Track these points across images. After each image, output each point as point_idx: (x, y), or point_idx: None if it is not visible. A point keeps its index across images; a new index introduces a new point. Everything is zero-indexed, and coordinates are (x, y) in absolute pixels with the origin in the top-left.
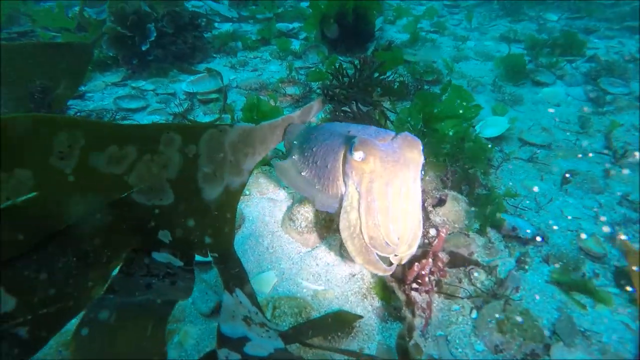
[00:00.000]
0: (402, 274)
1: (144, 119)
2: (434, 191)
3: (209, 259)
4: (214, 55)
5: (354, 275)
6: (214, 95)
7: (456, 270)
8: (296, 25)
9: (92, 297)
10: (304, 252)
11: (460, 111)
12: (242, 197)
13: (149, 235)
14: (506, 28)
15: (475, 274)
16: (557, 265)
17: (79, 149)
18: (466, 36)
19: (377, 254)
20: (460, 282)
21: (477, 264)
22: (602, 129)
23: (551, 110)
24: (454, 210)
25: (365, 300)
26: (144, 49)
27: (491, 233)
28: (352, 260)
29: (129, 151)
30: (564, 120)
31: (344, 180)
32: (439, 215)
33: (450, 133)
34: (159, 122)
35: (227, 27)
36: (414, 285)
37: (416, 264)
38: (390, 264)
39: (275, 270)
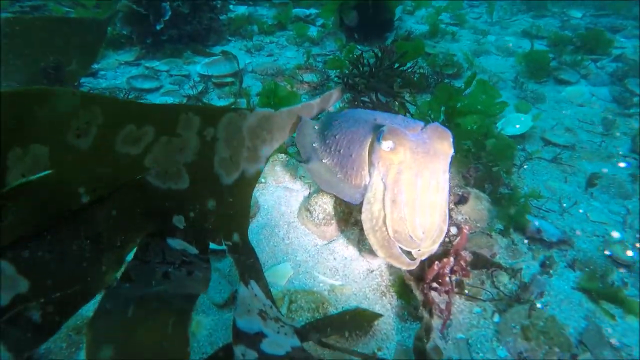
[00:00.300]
0: (421, 272)
1: (157, 99)
2: (455, 188)
3: (223, 247)
4: (229, 38)
5: (372, 271)
6: (229, 79)
7: (478, 272)
8: (313, 11)
9: (106, 282)
10: (321, 245)
11: (485, 107)
12: (257, 185)
13: (163, 219)
14: (528, 23)
15: (499, 277)
16: (583, 272)
17: (97, 127)
18: (487, 30)
19: (400, 248)
20: (482, 284)
21: (499, 266)
22: (628, 132)
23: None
24: (476, 209)
25: (384, 297)
26: (158, 28)
27: (514, 235)
28: (370, 255)
29: (147, 131)
30: (588, 121)
31: (369, 171)
32: (461, 214)
33: (474, 128)
34: (177, 103)
35: (242, 10)
36: (434, 285)
37: (436, 262)
38: (413, 258)
39: (291, 263)
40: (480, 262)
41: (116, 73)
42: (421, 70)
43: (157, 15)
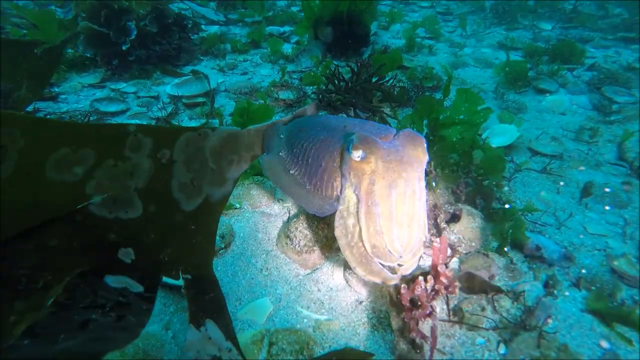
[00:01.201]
0: (397, 295)
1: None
2: (446, 205)
3: (180, 282)
4: (201, 57)
5: (361, 302)
6: (200, 99)
7: (477, 297)
8: (287, 29)
9: (14, 335)
10: (304, 275)
11: (468, 116)
12: (232, 211)
13: (106, 254)
14: (502, 36)
15: (500, 301)
16: (589, 291)
17: (16, 151)
18: (463, 43)
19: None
20: (483, 310)
21: (500, 290)
22: (612, 139)
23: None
24: (470, 227)
25: (375, 332)
26: (124, 48)
27: (512, 253)
28: (359, 284)
29: (85, 155)
30: (572, 130)
31: (340, 182)
32: (453, 233)
33: (458, 139)
34: (123, 123)
35: (214, 29)
36: (415, 312)
37: (403, 286)
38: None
39: (270, 297)
40: (479, 286)
41: (79, 97)
42: (401, 84)
43: (121, 34)
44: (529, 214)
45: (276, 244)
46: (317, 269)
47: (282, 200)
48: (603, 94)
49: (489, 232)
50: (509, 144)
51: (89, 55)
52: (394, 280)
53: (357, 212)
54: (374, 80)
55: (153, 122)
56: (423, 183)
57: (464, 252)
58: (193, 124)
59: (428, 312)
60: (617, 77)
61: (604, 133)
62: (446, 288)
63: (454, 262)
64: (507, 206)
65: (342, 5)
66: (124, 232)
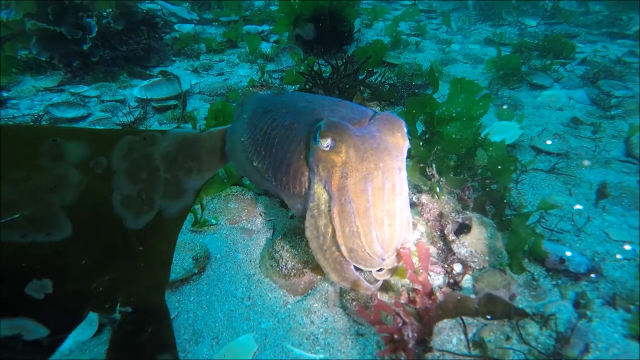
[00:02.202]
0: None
1: None
2: (453, 214)
3: (116, 316)
4: (173, 57)
5: (362, 335)
6: (172, 102)
7: (499, 323)
8: (266, 27)
9: None
10: (293, 304)
11: (467, 108)
12: (207, 228)
13: (8, 290)
14: (488, 32)
15: (526, 327)
16: (628, 310)
17: None
18: (449, 39)
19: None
20: (507, 339)
21: (524, 313)
22: (616, 134)
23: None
24: (482, 238)
25: None
26: (85, 48)
27: (531, 267)
28: (359, 310)
29: None
30: (573, 126)
31: (309, 177)
32: (464, 246)
33: (458, 137)
34: (37, 125)
35: (188, 28)
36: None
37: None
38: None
39: (254, 333)
40: (500, 309)
41: (33, 102)
42: (390, 81)
43: (80, 33)
44: (544, 220)
45: (259, 267)
46: (308, 295)
47: (265, 213)
48: (600, 88)
49: (504, 244)
50: (512, 142)
51: (44, 59)
52: (370, 289)
53: (329, 210)
54: (360, 77)
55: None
56: (404, 174)
57: (478, 267)
58: (163, 128)
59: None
60: (612, 71)
61: (607, 128)
62: (424, 297)
63: (467, 280)
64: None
65: (323, 1)
66: (43, 259)
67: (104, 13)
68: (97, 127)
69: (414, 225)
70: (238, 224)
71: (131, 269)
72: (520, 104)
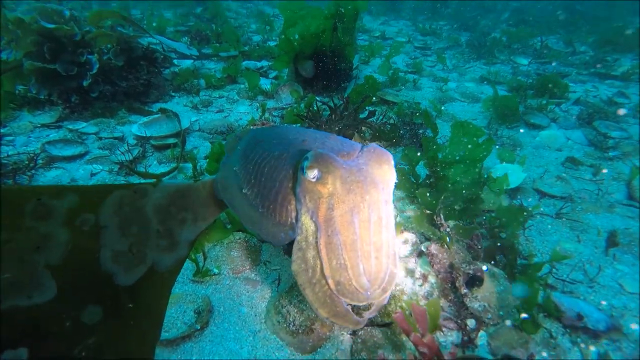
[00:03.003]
0: None
1: (79, 168)
2: (464, 265)
3: None
4: (172, 93)
5: None
6: (171, 140)
7: None
8: (265, 63)
9: None
10: None
11: (470, 151)
12: (209, 278)
13: None
14: (483, 70)
15: None
16: None
17: None
18: (446, 77)
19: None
20: None
21: None
22: (616, 176)
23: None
24: (495, 291)
25: None
26: (85, 84)
27: (547, 323)
28: None
29: None
30: (573, 167)
31: (296, 207)
32: (477, 300)
33: (462, 181)
34: (23, 186)
35: (187, 63)
36: None
37: None
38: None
39: None
40: None
41: (29, 138)
42: (392, 121)
43: (68, 66)
44: (555, 270)
45: (265, 322)
46: (317, 353)
47: (269, 262)
48: (596, 129)
49: (517, 296)
50: (516, 186)
51: (43, 97)
52: (360, 324)
53: (317, 242)
54: (361, 116)
55: (115, 167)
56: (391, 207)
57: (492, 323)
58: (162, 168)
59: None
60: (606, 112)
61: (607, 170)
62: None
63: (482, 337)
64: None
65: (324, 39)
66: (21, 325)
67: (105, 49)
68: (95, 165)
69: (425, 276)
70: (242, 274)
71: (119, 328)
72: (520, 144)
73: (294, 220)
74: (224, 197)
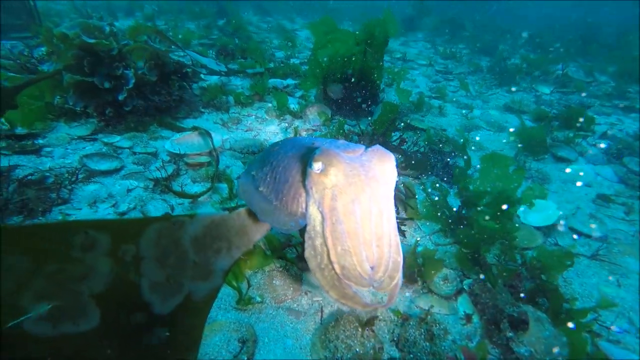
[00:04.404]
0: None
1: (115, 184)
2: (507, 307)
3: None
4: (202, 109)
5: None
6: (204, 159)
7: None
8: (290, 82)
9: None
10: None
11: (502, 181)
12: (252, 306)
13: None
14: (506, 98)
15: None
16: None
17: None
18: (470, 104)
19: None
20: None
21: None
22: None
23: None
24: (542, 337)
25: None
26: (120, 98)
27: None
28: None
29: (13, 262)
30: (604, 205)
31: (305, 199)
32: (523, 345)
33: (496, 215)
34: (71, 220)
35: (214, 79)
36: None
37: None
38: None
39: None
40: None
41: (66, 150)
42: (422, 150)
43: (113, 83)
44: (599, 317)
45: (310, 354)
46: None
47: (310, 292)
48: (626, 166)
49: (564, 343)
50: (550, 224)
51: (79, 109)
52: (369, 306)
53: (323, 231)
54: (393, 142)
55: (151, 184)
56: (391, 202)
57: None
58: (197, 187)
59: None
60: (634, 148)
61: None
62: None
63: None
64: (571, 325)
65: (354, 63)
66: (67, 351)
67: (139, 64)
68: (131, 180)
69: (468, 317)
70: (284, 303)
71: (157, 357)
72: (549, 178)
73: (304, 211)
74: (243, 198)
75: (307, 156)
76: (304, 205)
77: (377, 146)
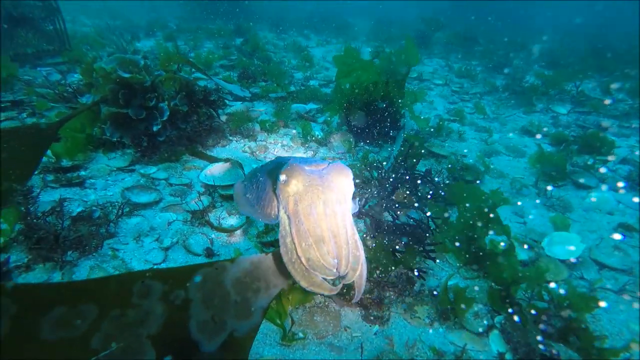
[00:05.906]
0: None
1: (156, 216)
2: (540, 346)
3: None
4: (230, 137)
5: None
6: None
7: None
8: (312, 106)
9: None
10: None
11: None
12: (296, 343)
13: None
14: (523, 120)
15: None
16: None
17: (9, 318)
18: (488, 127)
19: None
20: None
21: None
22: None
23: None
24: None
25: None
26: (155, 129)
27: None
28: None
29: (86, 310)
30: (627, 234)
31: (277, 206)
32: None
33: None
34: (129, 272)
35: (238, 105)
36: None
37: None
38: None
39: None
40: None
41: (107, 181)
42: (447, 181)
43: (145, 113)
44: (631, 355)
45: None
46: None
47: (349, 328)
48: None
49: None
50: (576, 257)
51: (115, 140)
52: (334, 291)
53: (291, 231)
54: (419, 174)
55: (189, 216)
56: (346, 206)
57: None
58: (232, 219)
59: None
60: None
61: None
62: None
63: None
64: None
65: (375, 92)
66: None
67: (171, 93)
68: (170, 213)
69: (502, 355)
70: (325, 339)
71: None
72: (570, 206)
73: (276, 213)
74: (235, 201)
75: (278, 171)
76: (276, 210)
77: (337, 162)
